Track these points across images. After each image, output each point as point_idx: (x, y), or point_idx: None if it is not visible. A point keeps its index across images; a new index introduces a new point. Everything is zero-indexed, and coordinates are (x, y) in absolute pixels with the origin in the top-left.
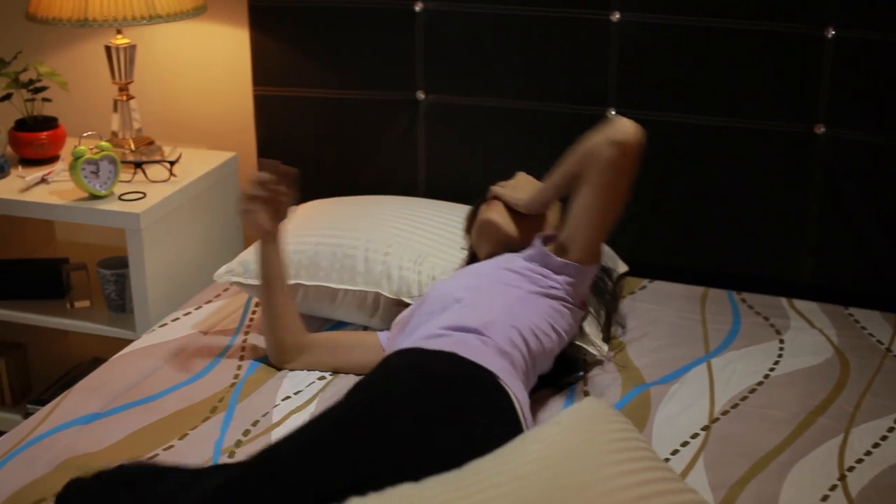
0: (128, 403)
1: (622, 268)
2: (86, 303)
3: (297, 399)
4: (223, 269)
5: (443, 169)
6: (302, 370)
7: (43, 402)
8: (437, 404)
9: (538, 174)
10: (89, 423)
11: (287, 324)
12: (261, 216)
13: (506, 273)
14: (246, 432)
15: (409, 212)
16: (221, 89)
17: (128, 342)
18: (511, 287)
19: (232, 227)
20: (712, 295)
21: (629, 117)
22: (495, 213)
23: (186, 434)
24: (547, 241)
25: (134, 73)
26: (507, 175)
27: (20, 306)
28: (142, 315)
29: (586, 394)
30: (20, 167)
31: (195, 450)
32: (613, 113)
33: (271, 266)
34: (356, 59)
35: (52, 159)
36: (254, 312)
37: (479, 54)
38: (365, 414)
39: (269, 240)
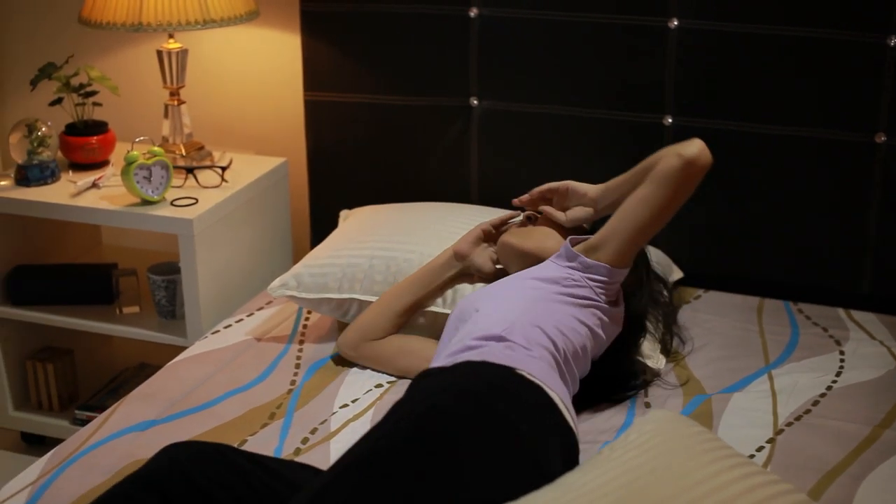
0: (185, 410)
1: (677, 273)
2: (135, 308)
3: (354, 407)
4: (277, 282)
5: (496, 176)
6: (362, 367)
7: (90, 408)
8: (485, 421)
9: (593, 181)
10: (146, 430)
11: (389, 324)
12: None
13: (528, 280)
14: (304, 440)
15: (464, 221)
16: (272, 94)
17: (176, 348)
18: (530, 289)
19: (282, 233)
20: (768, 305)
21: (685, 126)
22: (509, 235)
23: (245, 440)
24: (573, 243)
25: (185, 78)
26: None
27: (69, 311)
28: (193, 321)
29: (647, 405)
30: (70, 172)
31: None
32: (670, 121)
33: (439, 285)
34: (409, 65)
35: (102, 164)
36: (307, 319)
37: (534, 61)
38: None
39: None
